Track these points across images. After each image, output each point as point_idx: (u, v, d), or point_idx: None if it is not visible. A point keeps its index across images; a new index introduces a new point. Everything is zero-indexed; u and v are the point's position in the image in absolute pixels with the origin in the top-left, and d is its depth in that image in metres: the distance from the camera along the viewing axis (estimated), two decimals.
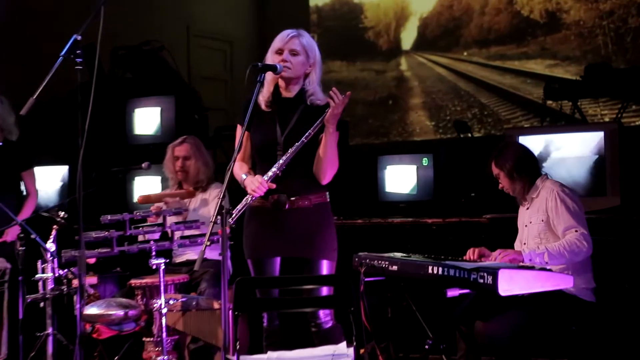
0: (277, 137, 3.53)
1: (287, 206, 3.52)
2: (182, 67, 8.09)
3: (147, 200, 4.85)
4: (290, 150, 3.44)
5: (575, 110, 6.72)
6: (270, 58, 3.53)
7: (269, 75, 3.55)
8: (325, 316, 3.57)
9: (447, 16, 8.60)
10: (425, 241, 5.21)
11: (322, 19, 9.48)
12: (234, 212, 3.44)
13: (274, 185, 3.45)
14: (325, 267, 3.56)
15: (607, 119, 6.88)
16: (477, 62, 8.33)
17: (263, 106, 3.58)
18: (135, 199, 6.26)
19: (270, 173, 3.45)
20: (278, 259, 3.63)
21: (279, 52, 3.51)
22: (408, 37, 8.90)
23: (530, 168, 3.97)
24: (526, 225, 3.96)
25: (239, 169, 3.59)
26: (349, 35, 9.26)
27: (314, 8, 9.45)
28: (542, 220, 3.83)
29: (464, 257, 3.80)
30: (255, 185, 3.43)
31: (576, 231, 3.69)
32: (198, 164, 5.04)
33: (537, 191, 3.92)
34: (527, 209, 3.98)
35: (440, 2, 8.64)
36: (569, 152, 5.09)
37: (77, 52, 2.97)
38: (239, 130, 3.60)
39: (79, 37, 3.00)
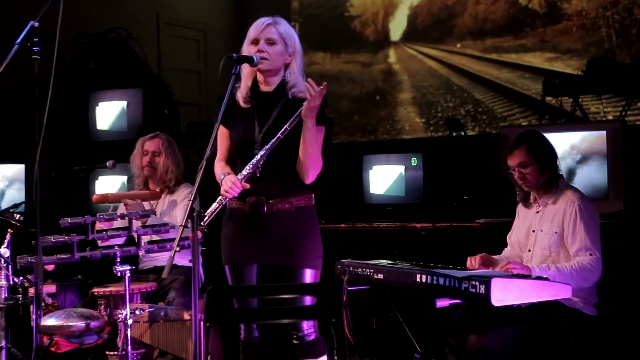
0: (255, 135, 3.54)
1: (265, 209, 3.52)
2: (151, 57, 8.07)
3: (104, 199, 4.84)
4: (265, 147, 3.45)
5: (576, 107, 6.76)
6: (246, 49, 3.54)
7: (246, 69, 3.55)
8: (308, 328, 3.58)
9: (439, 5, 8.63)
10: (413, 247, 5.23)
11: (304, 6, 9.50)
12: (206, 214, 3.43)
13: (248, 186, 3.46)
14: (308, 276, 3.57)
15: (610, 117, 6.93)
16: (472, 55, 8.37)
17: (241, 102, 3.59)
18: None
19: (244, 172, 3.46)
20: (255, 266, 3.63)
21: (255, 42, 3.51)
22: (397, 27, 8.93)
23: (556, 164, 3.97)
24: (534, 231, 3.96)
25: (220, 170, 3.61)
26: (333, 24, 9.28)
27: None
28: (556, 233, 3.84)
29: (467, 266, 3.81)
30: (228, 185, 3.44)
31: (590, 255, 3.72)
32: (167, 162, 5.05)
33: (555, 196, 3.91)
34: (538, 212, 3.98)
35: None
36: (569, 152, 5.13)
37: (35, 40, 2.97)
38: (219, 129, 3.62)
39: (37, 24, 2.99)
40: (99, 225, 4.40)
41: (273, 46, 3.51)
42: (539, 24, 7.91)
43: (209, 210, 3.46)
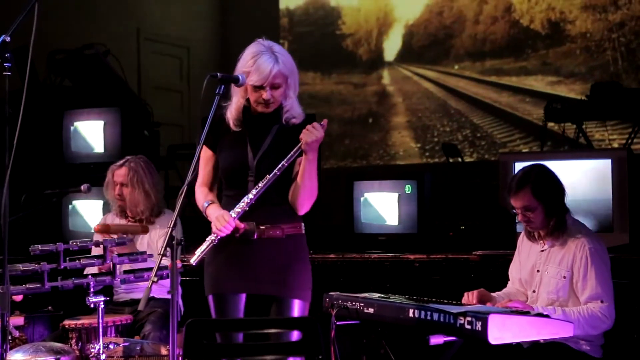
0: (249, 161, 3.56)
1: (255, 235, 3.52)
2: (130, 75, 8.08)
3: (106, 230, 4.71)
4: (260, 184, 3.47)
5: (579, 134, 6.80)
6: (250, 91, 3.53)
7: (239, 90, 3.56)
8: None
9: (436, 24, 8.70)
10: (406, 280, 5.22)
11: (294, 23, 9.55)
12: (196, 252, 3.46)
13: (242, 225, 3.47)
14: (297, 308, 3.56)
15: (615, 145, 6.97)
16: (470, 77, 8.43)
17: (232, 125, 3.60)
18: (72, 225, 6.23)
19: (238, 209, 3.48)
20: (243, 296, 3.62)
21: (260, 87, 3.51)
22: (391, 47, 8.98)
23: (564, 203, 3.89)
24: (538, 271, 3.93)
25: (202, 197, 3.61)
26: (324, 43, 9.33)
27: (284, 11, 9.52)
28: (564, 277, 3.81)
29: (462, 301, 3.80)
30: (222, 224, 3.45)
31: (602, 302, 3.71)
32: (134, 194, 4.97)
33: (563, 237, 3.85)
34: (543, 251, 3.94)
35: (429, 7, 8.75)
36: (572, 181, 5.13)
37: (6, 55, 2.96)
38: (203, 151, 3.63)
39: (8, 39, 3.00)
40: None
41: (278, 89, 3.53)
42: (541, 46, 7.98)
43: (199, 250, 3.47)
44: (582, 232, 3.85)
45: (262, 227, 3.53)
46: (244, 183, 3.52)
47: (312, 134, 3.43)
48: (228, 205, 3.53)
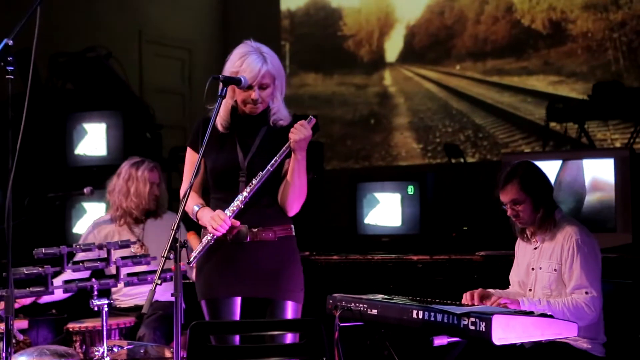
0: (240, 162, 3.56)
1: (248, 238, 3.53)
2: (132, 77, 8.08)
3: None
4: (254, 181, 3.48)
5: (581, 133, 6.80)
6: (239, 92, 3.53)
7: (227, 93, 3.55)
8: None
9: (437, 24, 8.69)
10: (409, 281, 5.22)
11: (295, 25, 9.54)
12: (194, 253, 3.47)
13: (237, 223, 3.48)
14: (290, 310, 3.59)
15: (617, 144, 6.96)
16: (472, 78, 8.42)
17: (220, 127, 3.61)
18: (75, 229, 6.23)
19: (233, 207, 3.48)
20: (238, 300, 3.63)
21: (249, 87, 3.51)
22: (393, 48, 8.98)
23: (552, 198, 3.95)
24: (533, 269, 3.95)
25: (191, 201, 3.60)
26: (325, 44, 9.33)
27: (285, 12, 9.51)
28: (555, 270, 3.83)
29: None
30: (218, 223, 3.44)
31: (586, 293, 3.72)
32: (165, 192, 5.09)
33: (553, 231, 3.89)
34: (536, 248, 3.96)
35: (430, 8, 8.74)
36: (574, 181, 5.14)
37: (9, 58, 2.97)
38: (190, 153, 3.65)
39: (11, 42, 3.00)
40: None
41: (266, 90, 3.54)
42: (543, 46, 7.97)
43: (196, 250, 3.49)
44: (571, 226, 3.88)
45: (254, 229, 3.54)
46: (235, 184, 3.53)
47: (300, 132, 3.44)
48: (218, 207, 3.53)
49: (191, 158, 3.66)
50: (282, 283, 3.57)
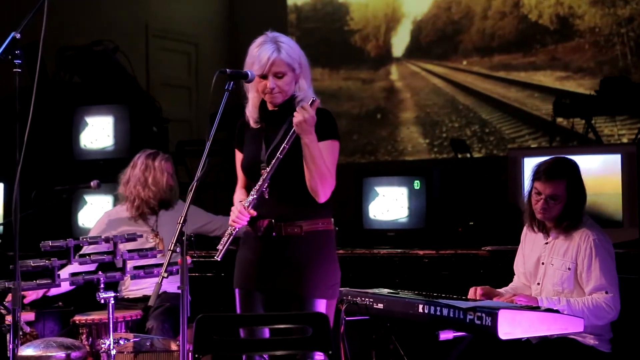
0: (262, 155, 3.56)
1: (274, 233, 3.53)
2: (139, 71, 8.08)
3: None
4: (266, 169, 3.47)
5: (588, 129, 6.79)
6: (254, 84, 3.55)
7: (252, 88, 3.56)
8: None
9: (444, 19, 8.68)
10: (415, 276, 5.22)
11: (302, 19, 9.54)
12: (219, 247, 3.47)
13: (254, 213, 3.47)
14: (318, 306, 3.51)
15: (625, 140, 6.95)
16: (478, 73, 8.41)
17: (252, 123, 3.62)
18: (82, 222, 6.25)
19: (250, 199, 3.49)
20: (266, 293, 3.61)
21: (263, 77, 3.51)
22: (400, 43, 8.97)
23: (584, 204, 3.93)
24: (543, 263, 3.95)
25: (236, 198, 3.66)
26: (332, 38, 9.32)
27: (292, 7, 9.51)
28: (569, 269, 3.83)
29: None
30: (235, 215, 3.47)
31: (606, 293, 3.72)
32: (177, 181, 5.16)
33: (569, 230, 3.88)
34: (547, 243, 3.96)
35: (437, 3, 8.73)
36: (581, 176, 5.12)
37: (16, 52, 2.97)
38: (236, 153, 3.72)
39: (18, 35, 3.00)
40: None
41: (283, 78, 3.52)
42: (550, 41, 7.95)
43: (221, 244, 3.49)
44: (586, 225, 3.87)
45: (279, 224, 3.53)
46: (259, 177, 3.53)
47: (300, 114, 3.39)
48: None
49: (236, 157, 3.72)
50: (308, 278, 3.51)
